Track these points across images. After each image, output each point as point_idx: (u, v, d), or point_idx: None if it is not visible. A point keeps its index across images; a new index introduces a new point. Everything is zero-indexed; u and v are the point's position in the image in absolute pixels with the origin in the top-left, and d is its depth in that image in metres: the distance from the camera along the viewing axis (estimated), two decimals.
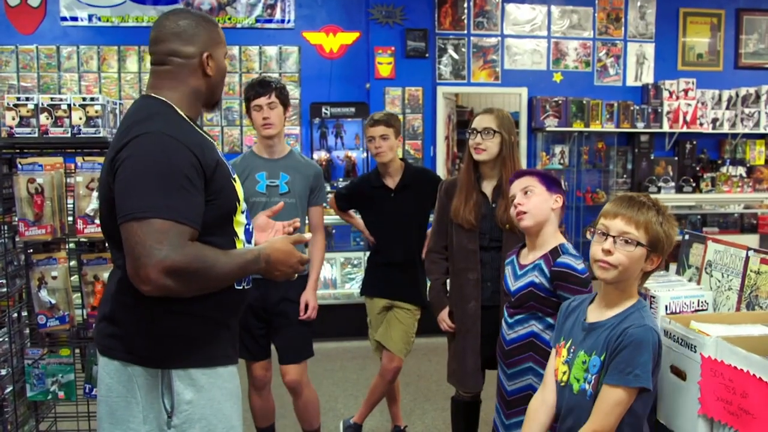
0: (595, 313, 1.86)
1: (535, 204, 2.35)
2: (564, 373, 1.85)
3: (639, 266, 1.79)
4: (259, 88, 3.06)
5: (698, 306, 2.26)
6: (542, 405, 1.93)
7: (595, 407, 1.73)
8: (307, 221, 3.27)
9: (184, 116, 1.77)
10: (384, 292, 3.46)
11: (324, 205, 3.30)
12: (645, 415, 1.79)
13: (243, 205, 1.86)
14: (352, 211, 3.73)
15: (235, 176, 1.86)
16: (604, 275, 1.79)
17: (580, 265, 2.28)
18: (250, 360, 3.16)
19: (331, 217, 3.95)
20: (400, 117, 6.84)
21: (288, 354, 3.17)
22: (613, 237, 1.77)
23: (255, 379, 3.20)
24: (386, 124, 3.34)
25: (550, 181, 2.39)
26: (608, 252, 1.76)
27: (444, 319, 2.95)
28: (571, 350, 1.85)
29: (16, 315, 2.90)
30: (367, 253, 4.64)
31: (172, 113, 1.75)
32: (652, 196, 1.87)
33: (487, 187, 2.82)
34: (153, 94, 1.79)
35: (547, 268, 2.31)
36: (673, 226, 1.81)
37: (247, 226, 1.90)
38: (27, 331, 2.94)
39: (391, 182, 3.42)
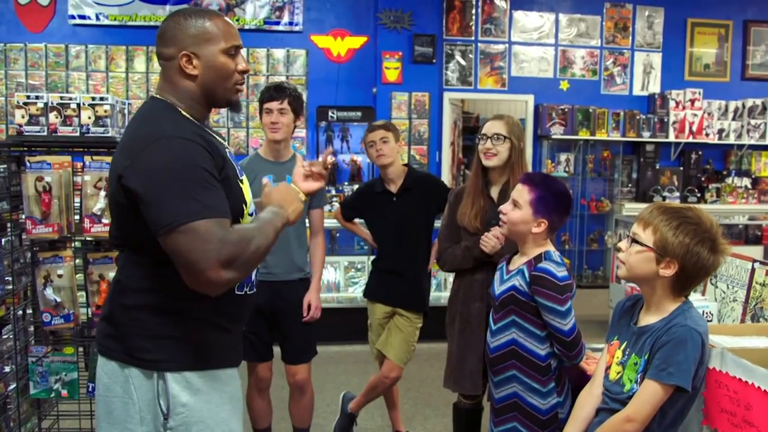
0: (645, 318, 1.92)
1: (512, 220, 2.35)
2: (618, 372, 1.92)
3: (649, 267, 1.84)
4: (273, 92, 3.11)
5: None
6: (589, 397, 2.01)
7: (633, 397, 1.83)
8: (307, 224, 3.31)
9: (189, 116, 1.76)
10: (386, 298, 3.45)
11: (329, 209, 3.31)
12: (679, 414, 1.83)
13: (250, 207, 1.85)
14: (357, 221, 3.73)
15: (243, 178, 1.85)
16: (619, 272, 1.94)
17: (561, 272, 2.25)
18: (257, 361, 3.19)
19: (335, 222, 3.96)
20: (406, 122, 6.86)
21: (297, 354, 3.22)
22: (628, 236, 1.90)
23: (260, 381, 3.22)
24: (385, 129, 3.37)
25: (540, 206, 2.30)
26: (620, 249, 1.92)
27: (491, 233, 2.70)
28: (626, 352, 1.92)
29: (21, 312, 2.91)
30: (371, 258, 4.62)
31: (177, 114, 1.74)
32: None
33: (495, 192, 2.83)
34: (158, 96, 1.80)
35: (528, 272, 2.30)
36: (694, 237, 1.79)
37: None
38: (31, 328, 2.95)
39: (394, 187, 3.42)
